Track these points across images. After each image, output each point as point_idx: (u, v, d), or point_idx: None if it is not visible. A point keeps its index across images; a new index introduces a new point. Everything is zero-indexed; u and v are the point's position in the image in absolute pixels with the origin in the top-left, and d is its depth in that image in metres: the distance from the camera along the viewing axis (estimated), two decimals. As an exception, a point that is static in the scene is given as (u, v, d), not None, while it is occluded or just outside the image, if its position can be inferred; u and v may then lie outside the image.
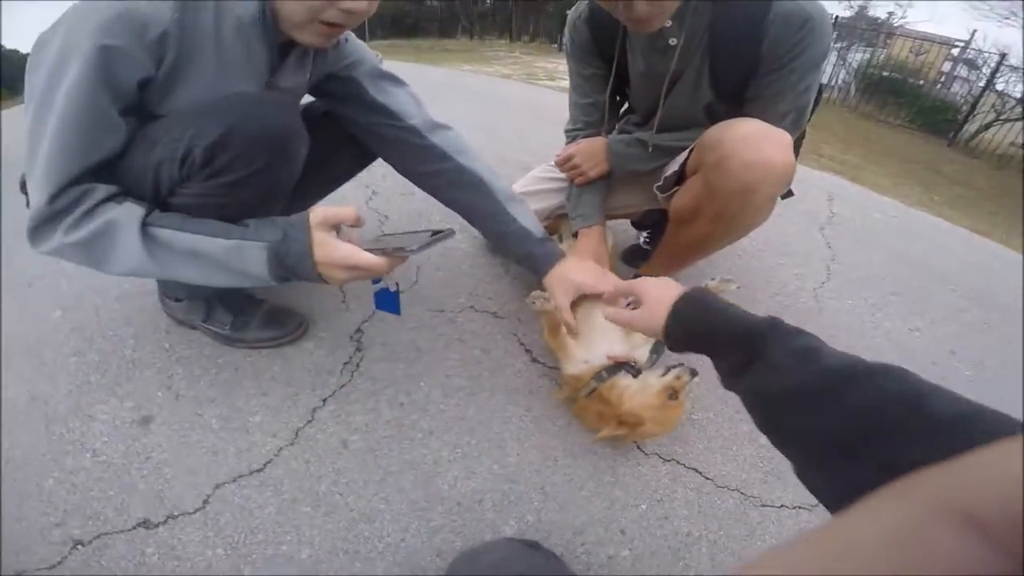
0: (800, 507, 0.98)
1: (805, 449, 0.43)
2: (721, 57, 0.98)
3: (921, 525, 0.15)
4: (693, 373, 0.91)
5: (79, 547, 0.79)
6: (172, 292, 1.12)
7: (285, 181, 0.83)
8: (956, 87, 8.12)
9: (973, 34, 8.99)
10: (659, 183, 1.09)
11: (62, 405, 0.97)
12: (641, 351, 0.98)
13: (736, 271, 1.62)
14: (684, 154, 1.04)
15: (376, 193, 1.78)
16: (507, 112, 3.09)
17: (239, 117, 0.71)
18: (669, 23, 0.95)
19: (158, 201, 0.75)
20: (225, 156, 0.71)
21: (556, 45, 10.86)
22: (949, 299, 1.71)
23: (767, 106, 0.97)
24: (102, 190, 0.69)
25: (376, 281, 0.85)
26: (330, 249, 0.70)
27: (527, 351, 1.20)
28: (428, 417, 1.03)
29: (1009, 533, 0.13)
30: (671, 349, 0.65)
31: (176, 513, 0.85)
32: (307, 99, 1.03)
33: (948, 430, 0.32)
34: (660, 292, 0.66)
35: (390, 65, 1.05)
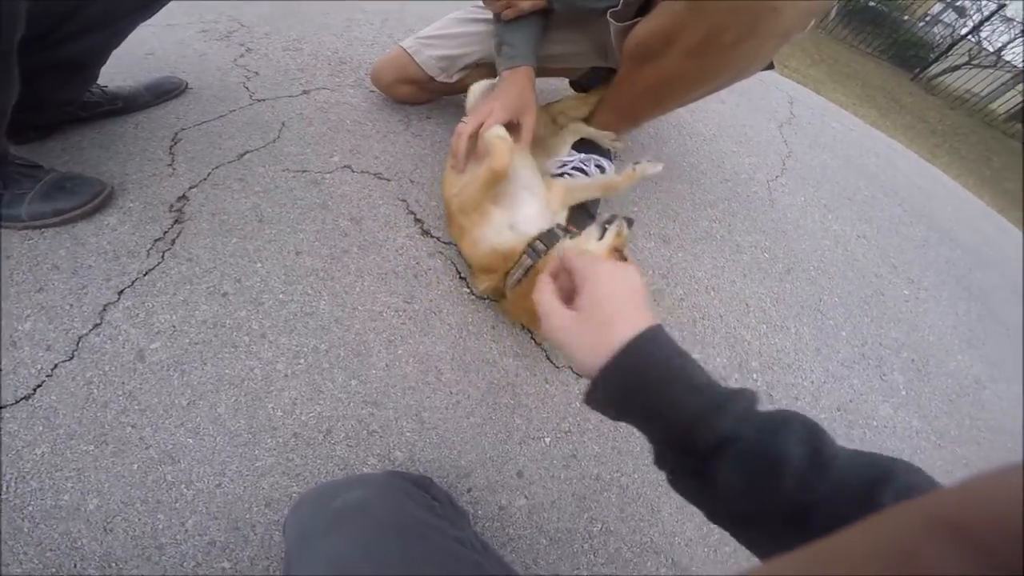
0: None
1: (750, 545, 0.37)
2: None
3: (913, 538, 0.15)
4: (629, 221, 0.66)
5: None
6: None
7: None
8: (938, 29, 8.39)
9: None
10: (616, 7, 0.82)
11: None
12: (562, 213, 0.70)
13: (685, 152, 1.45)
14: None
15: (249, 50, 1.27)
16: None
17: None
18: None
19: None
20: None
21: None
22: (895, 212, 1.76)
23: None
24: None
25: None
26: None
27: (417, 220, 0.85)
28: (261, 312, 0.72)
29: (1008, 550, 0.13)
30: (588, 404, 0.42)
31: (-79, 459, 0.61)
32: None
33: None
34: (612, 291, 0.41)
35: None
